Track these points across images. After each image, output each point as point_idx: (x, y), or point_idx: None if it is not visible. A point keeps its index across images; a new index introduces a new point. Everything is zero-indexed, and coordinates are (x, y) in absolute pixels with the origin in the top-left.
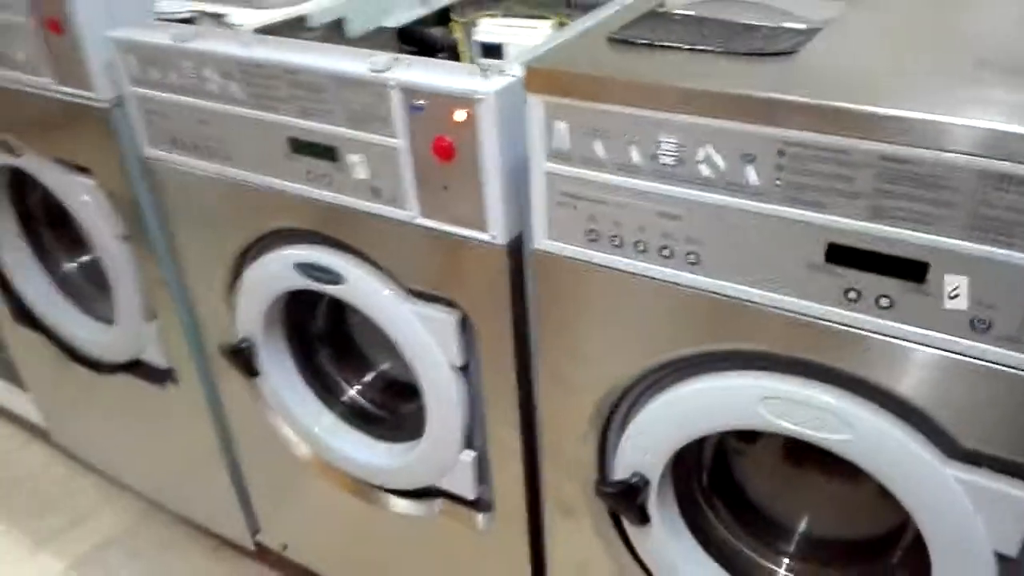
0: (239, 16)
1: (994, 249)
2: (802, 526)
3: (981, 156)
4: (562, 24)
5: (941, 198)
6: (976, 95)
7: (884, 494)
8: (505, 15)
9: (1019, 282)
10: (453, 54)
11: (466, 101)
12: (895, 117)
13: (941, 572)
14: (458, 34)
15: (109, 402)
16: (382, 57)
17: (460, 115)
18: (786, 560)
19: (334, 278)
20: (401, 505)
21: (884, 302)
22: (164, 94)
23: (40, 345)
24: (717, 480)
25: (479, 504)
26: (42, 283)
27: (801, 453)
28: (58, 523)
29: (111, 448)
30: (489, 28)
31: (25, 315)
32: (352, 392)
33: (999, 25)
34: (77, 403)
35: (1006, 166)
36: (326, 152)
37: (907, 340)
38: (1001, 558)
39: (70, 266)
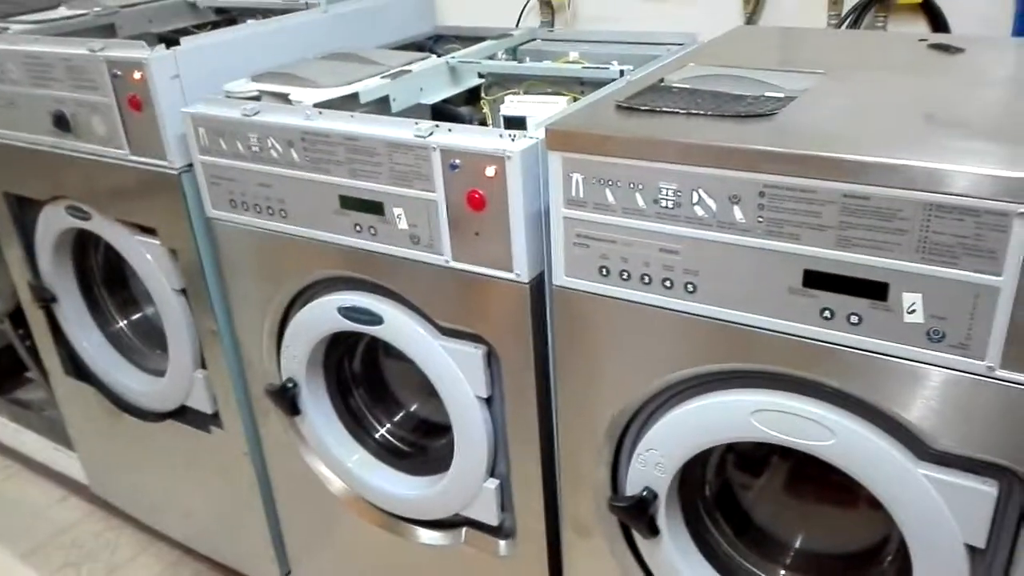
0: (299, 94)
1: (941, 268)
2: (797, 542)
3: (924, 191)
4: (576, 99)
5: (895, 227)
6: (921, 142)
7: (869, 511)
8: (526, 92)
9: (964, 297)
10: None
11: (496, 159)
12: (852, 161)
13: (920, 567)
14: (486, 109)
15: (153, 450)
16: (425, 124)
17: (491, 171)
18: (783, 572)
19: (374, 319)
20: (427, 536)
21: (854, 319)
22: (230, 161)
23: (89, 397)
24: (719, 498)
25: (501, 530)
26: (96, 338)
27: (793, 476)
28: (95, 573)
29: (150, 496)
30: (513, 104)
31: (77, 368)
32: (383, 430)
33: (948, 90)
34: (120, 454)
35: (945, 198)
36: (373, 207)
37: (876, 352)
38: (972, 550)
39: (121, 324)
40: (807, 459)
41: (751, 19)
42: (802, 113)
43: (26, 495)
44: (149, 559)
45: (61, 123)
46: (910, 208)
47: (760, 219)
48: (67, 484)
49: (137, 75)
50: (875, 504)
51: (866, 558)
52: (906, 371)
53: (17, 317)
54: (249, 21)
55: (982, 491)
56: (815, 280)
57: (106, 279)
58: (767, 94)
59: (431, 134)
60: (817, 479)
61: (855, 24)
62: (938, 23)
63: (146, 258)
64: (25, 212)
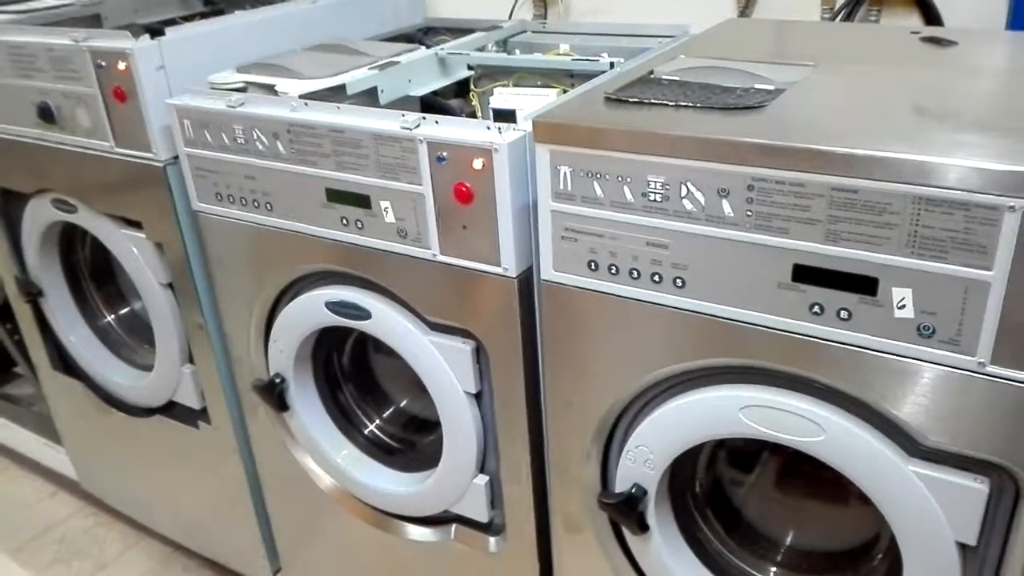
0: (286, 86)
1: (931, 263)
2: (788, 539)
3: (914, 184)
4: (566, 91)
5: (884, 221)
6: (911, 135)
7: (859, 509)
8: (516, 85)
9: (954, 291)
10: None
11: (484, 152)
12: (841, 153)
13: (911, 564)
14: (475, 102)
15: (141, 445)
16: (411, 116)
17: (478, 164)
18: (773, 569)
19: (362, 314)
20: (417, 532)
21: (844, 314)
22: (215, 153)
23: (78, 392)
24: (710, 495)
25: (491, 527)
26: (83, 332)
27: (784, 473)
28: (84, 570)
29: (139, 492)
30: (502, 96)
31: (65, 363)
32: (372, 426)
33: (939, 83)
34: (109, 449)
35: (935, 191)
36: (360, 200)
37: (865, 347)
38: (963, 547)
39: (109, 318)
40: (798, 456)
41: (744, 11)
42: (791, 105)
43: (15, 491)
44: (139, 555)
45: (46, 115)
46: (899, 202)
47: (749, 213)
48: (56, 480)
49: (122, 66)
50: (866, 501)
51: (856, 555)
52: (896, 367)
53: (4, 312)
54: (236, 11)
55: (973, 488)
56: (804, 275)
57: (93, 273)
58: (757, 86)
59: (418, 126)
60: (808, 476)
61: (848, 17)
62: (931, 17)
63: (132, 252)
64: (11, 205)
